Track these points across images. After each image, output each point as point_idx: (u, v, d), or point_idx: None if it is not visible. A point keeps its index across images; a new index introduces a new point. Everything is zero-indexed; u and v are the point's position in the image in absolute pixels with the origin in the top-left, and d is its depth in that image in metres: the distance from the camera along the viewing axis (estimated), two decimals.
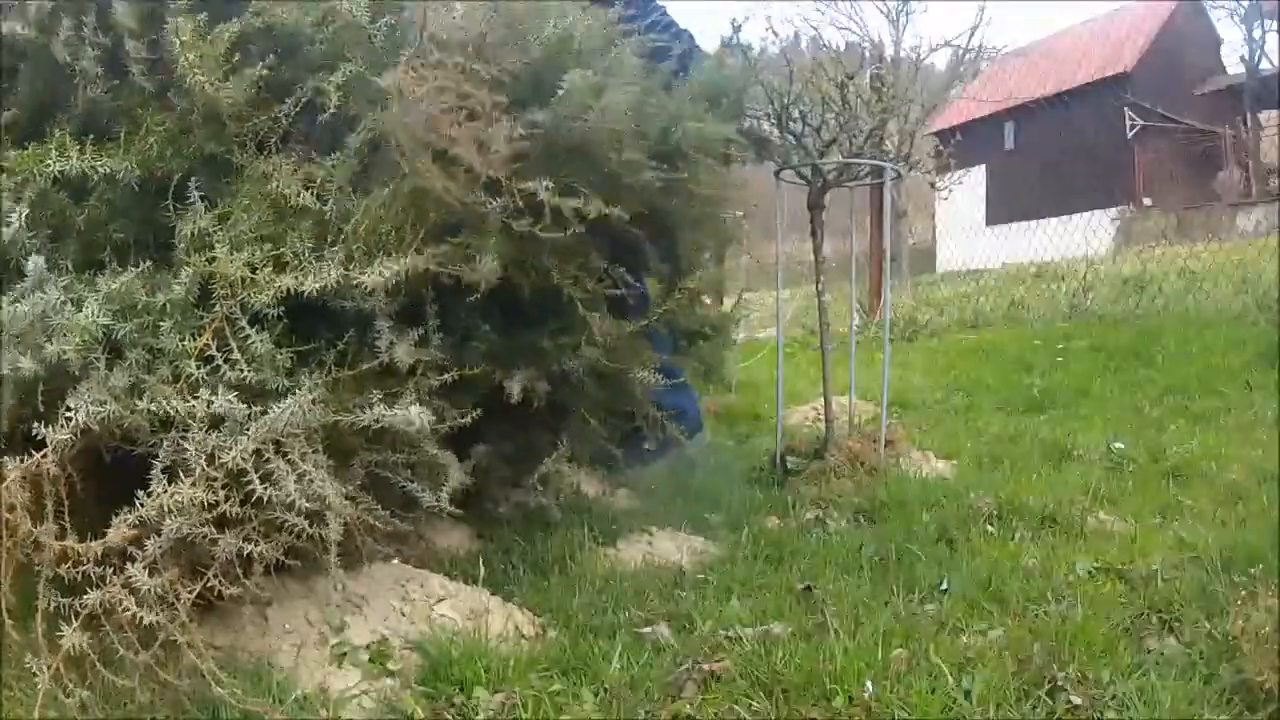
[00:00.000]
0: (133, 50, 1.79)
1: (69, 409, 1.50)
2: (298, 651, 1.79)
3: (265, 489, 1.57)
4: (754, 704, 1.71)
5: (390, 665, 1.80)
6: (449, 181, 1.80)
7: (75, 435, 1.49)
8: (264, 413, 1.58)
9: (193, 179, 1.77)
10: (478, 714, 1.67)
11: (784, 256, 3.59)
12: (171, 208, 1.78)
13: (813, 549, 2.58)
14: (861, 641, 1.89)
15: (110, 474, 1.66)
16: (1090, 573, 2.30)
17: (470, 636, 1.91)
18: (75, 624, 1.43)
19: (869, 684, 1.72)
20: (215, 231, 1.73)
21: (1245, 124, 19.31)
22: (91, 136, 1.75)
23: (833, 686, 1.73)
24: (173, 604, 1.52)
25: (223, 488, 1.55)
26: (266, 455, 1.59)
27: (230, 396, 1.55)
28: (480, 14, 1.89)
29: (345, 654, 1.80)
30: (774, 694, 1.74)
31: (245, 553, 1.62)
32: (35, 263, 1.55)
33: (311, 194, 1.78)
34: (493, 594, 2.13)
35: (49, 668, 1.40)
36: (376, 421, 1.72)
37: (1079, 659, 1.80)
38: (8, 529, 1.45)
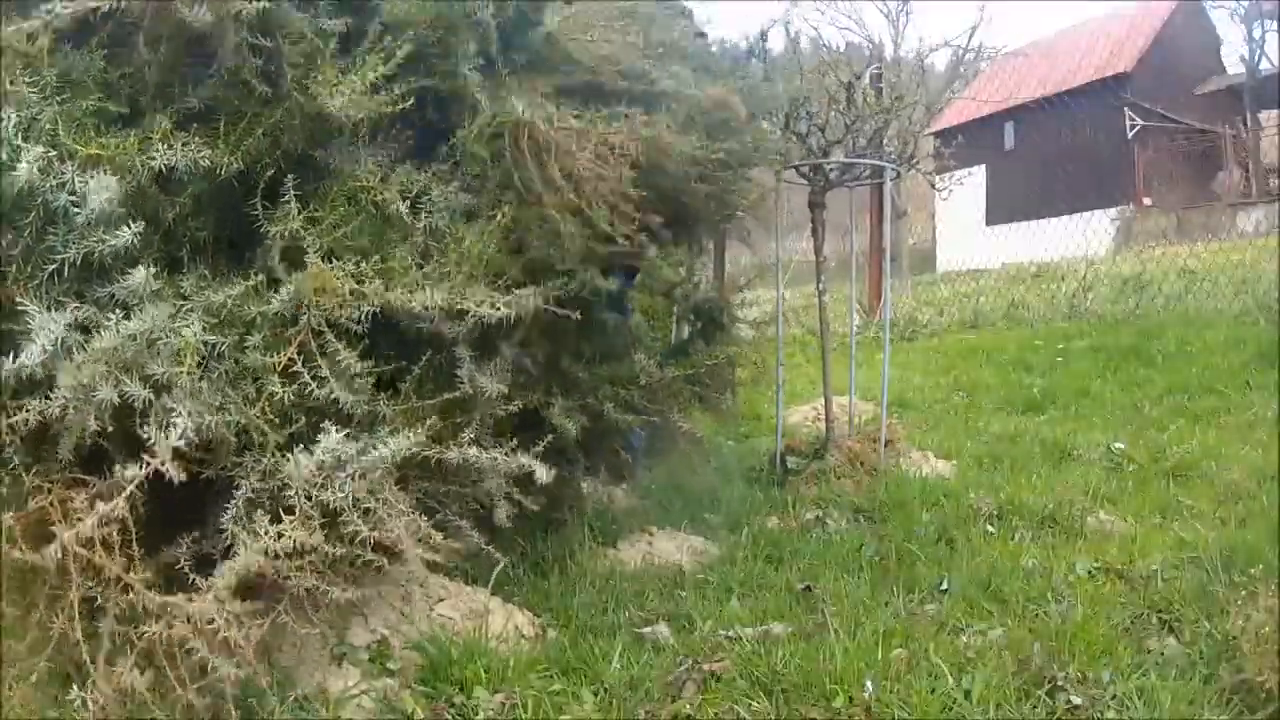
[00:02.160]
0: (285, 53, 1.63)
1: (168, 420, 1.38)
2: (298, 651, 1.79)
3: (370, 530, 1.50)
4: (754, 704, 1.72)
5: (390, 665, 1.80)
6: (558, 197, 1.76)
7: (187, 444, 1.38)
8: (362, 449, 1.50)
9: (288, 177, 1.65)
10: (478, 714, 1.67)
11: (782, 255, 3.59)
12: (259, 206, 1.66)
13: (813, 549, 2.58)
14: (861, 641, 1.90)
15: (167, 491, 1.60)
16: (1090, 573, 2.30)
17: (470, 636, 1.91)
18: (131, 657, 1.36)
19: (869, 684, 1.72)
20: (306, 235, 1.62)
21: (1245, 124, 19.28)
22: (195, 128, 1.62)
23: (833, 686, 1.73)
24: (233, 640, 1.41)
25: (321, 526, 1.46)
26: (359, 494, 1.51)
27: (338, 435, 1.46)
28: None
29: (345, 654, 1.80)
30: (774, 694, 1.74)
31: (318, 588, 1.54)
32: (142, 275, 1.41)
33: (408, 205, 1.69)
34: (493, 594, 2.13)
35: (97, 703, 1.34)
36: (465, 461, 1.66)
37: (1079, 659, 1.80)
38: (77, 564, 1.36)
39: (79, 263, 1.43)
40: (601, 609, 2.17)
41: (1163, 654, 1.84)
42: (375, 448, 1.51)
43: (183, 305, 1.50)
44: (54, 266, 1.44)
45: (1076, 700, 1.67)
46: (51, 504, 1.42)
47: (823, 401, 3.64)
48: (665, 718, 1.68)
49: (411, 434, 1.55)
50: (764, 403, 4.79)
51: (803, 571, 2.42)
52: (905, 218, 13.97)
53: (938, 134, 15.35)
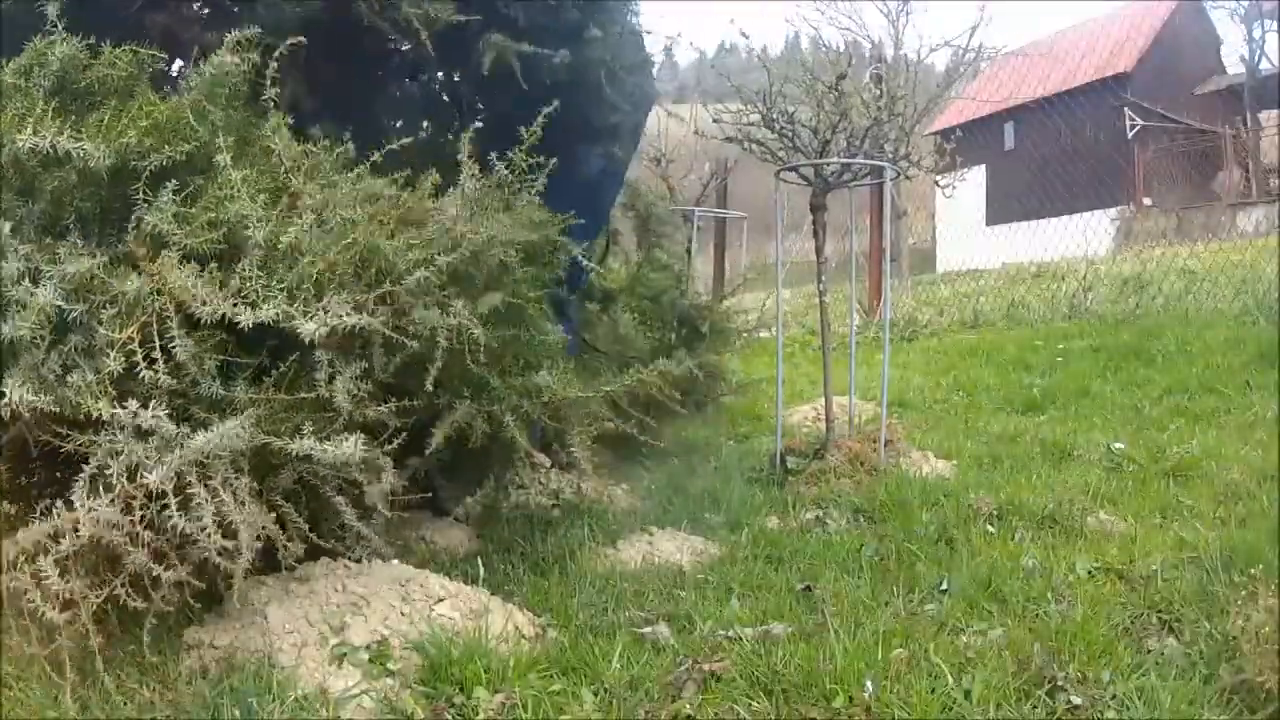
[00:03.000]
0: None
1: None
2: (298, 651, 1.79)
3: (181, 517, 1.52)
4: (754, 704, 1.71)
5: (390, 665, 1.79)
6: None
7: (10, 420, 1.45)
8: (192, 427, 1.53)
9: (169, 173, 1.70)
10: (478, 714, 1.67)
11: (783, 255, 3.59)
12: (142, 192, 1.71)
13: (813, 549, 2.58)
14: (861, 641, 1.89)
15: (40, 465, 1.64)
16: (1090, 573, 2.30)
17: (470, 636, 1.91)
18: None
19: (869, 684, 1.72)
20: (173, 234, 1.67)
21: (1245, 124, 19.30)
22: (73, 114, 1.68)
23: (833, 686, 1.73)
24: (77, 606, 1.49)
25: (141, 508, 1.50)
26: (189, 478, 1.54)
27: (161, 411, 1.49)
28: None
29: (345, 654, 1.80)
30: (774, 694, 1.74)
31: (154, 570, 1.58)
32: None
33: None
34: (493, 594, 2.13)
35: None
36: (308, 456, 1.68)
37: (1079, 659, 1.80)
38: None
39: None
40: (601, 609, 2.16)
41: (1163, 654, 1.84)
42: (198, 434, 1.53)
43: (36, 268, 1.53)
44: None
45: (1076, 700, 1.67)
46: None
47: (823, 401, 3.64)
48: (665, 718, 1.68)
49: (245, 422, 1.57)
50: (764, 402, 4.79)
51: (803, 571, 2.42)
52: (905, 218, 13.96)
53: (939, 134, 15.36)
